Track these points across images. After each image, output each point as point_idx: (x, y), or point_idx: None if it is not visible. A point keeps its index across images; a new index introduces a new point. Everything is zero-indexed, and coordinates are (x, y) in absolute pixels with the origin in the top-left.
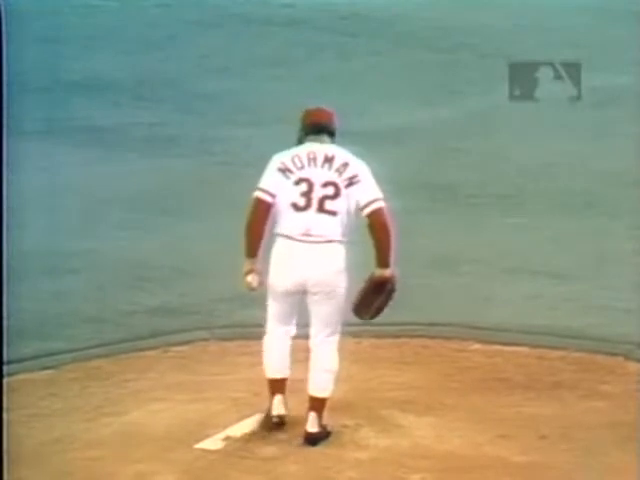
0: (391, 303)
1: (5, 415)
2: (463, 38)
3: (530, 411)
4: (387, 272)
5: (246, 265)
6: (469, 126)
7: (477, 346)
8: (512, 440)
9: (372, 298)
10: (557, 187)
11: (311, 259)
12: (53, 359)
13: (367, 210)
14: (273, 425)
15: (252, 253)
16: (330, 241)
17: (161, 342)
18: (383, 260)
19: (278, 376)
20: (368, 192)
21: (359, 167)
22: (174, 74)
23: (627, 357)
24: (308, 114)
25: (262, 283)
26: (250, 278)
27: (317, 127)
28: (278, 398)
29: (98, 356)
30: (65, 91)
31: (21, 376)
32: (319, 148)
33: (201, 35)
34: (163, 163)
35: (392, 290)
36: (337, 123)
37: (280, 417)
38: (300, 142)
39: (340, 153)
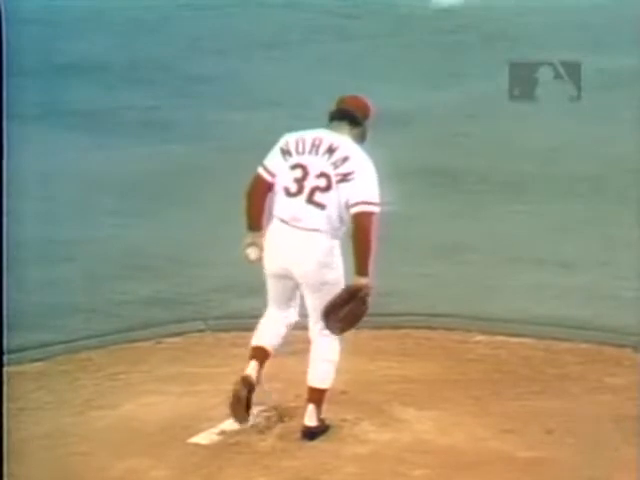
0: (366, 314)
1: None
2: (465, 20)
3: (535, 404)
4: (362, 281)
5: (247, 237)
6: (471, 110)
7: (481, 337)
8: (517, 435)
9: (341, 307)
10: (562, 172)
11: (294, 245)
12: (43, 351)
13: (352, 211)
14: (238, 385)
15: (252, 226)
16: (316, 230)
17: (154, 333)
18: (359, 267)
19: (262, 345)
20: (359, 192)
21: (359, 164)
22: (169, 57)
23: (635, 349)
24: (338, 100)
25: (261, 257)
26: (249, 250)
27: (338, 114)
28: (253, 363)
29: (89, 347)
30: (58, 74)
31: (10, 368)
32: (328, 136)
33: (197, 17)
34: (157, 148)
35: (364, 299)
36: (367, 113)
37: (245, 378)
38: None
39: (346, 146)
